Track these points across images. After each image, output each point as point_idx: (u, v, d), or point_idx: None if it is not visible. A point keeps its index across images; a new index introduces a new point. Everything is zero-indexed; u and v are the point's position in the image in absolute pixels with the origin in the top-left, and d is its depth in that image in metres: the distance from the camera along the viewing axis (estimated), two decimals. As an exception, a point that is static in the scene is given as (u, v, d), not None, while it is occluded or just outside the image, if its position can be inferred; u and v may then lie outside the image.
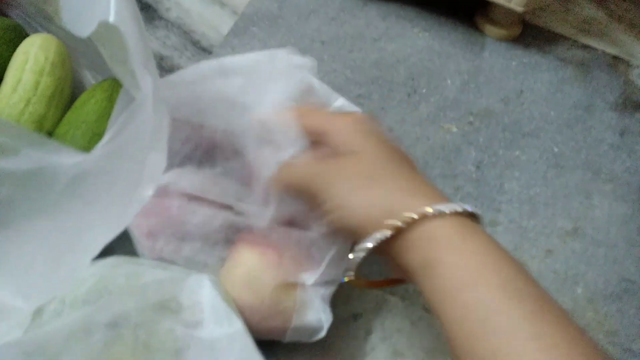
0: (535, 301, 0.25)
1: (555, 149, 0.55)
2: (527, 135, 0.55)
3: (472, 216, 0.30)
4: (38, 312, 0.28)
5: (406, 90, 0.55)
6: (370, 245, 0.29)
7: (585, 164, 0.54)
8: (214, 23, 0.54)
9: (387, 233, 0.28)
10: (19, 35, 0.43)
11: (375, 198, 0.29)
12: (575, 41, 0.67)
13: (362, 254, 0.30)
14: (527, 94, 0.59)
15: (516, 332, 0.23)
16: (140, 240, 0.34)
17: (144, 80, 0.23)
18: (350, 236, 0.33)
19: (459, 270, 0.26)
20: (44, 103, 0.40)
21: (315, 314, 0.34)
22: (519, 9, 0.59)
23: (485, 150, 0.53)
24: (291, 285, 0.34)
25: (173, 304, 0.28)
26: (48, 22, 0.45)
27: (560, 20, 0.70)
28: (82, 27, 0.24)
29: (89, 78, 0.45)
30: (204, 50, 0.52)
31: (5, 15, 0.46)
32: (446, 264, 0.27)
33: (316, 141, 0.33)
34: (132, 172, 0.24)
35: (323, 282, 0.35)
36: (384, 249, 0.29)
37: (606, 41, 0.69)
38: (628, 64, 0.66)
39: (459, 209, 0.28)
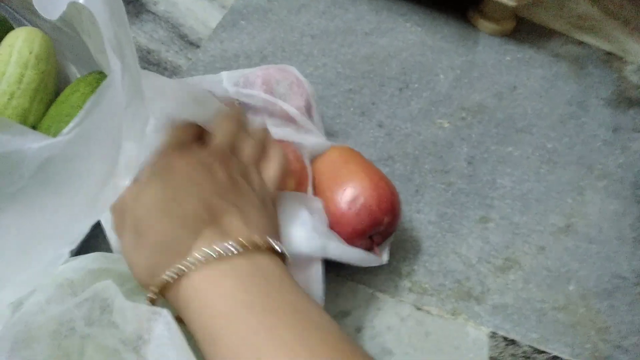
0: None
1: (549, 145, 0.54)
2: (520, 131, 0.55)
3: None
4: (17, 306, 0.27)
5: (398, 85, 0.55)
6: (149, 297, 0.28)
7: (579, 160, 0.54)
8: (202, 17, 0.53)
9: (151, 295, 0.27)
10: (3, 29, 0.42)
11: (141, 260, 0.28)
12: (569, 37, 0.67)
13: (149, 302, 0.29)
14: (520, 90, 0.58)
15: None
16: (110, 235, 0.33)
17: (113, 61, 0.22)
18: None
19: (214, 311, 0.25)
20: (28, 97, 0.39)
21: None
22: (512, 3, 0.58)
23: (478, 146, 0.52)
24: None
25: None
26: (33, 16, 0.44)
27: (554, 16, 0.70)
28: (52, 9, 0.23)
29: (75, 72, 0.45)
30: (191, 44, 0.51)
31: (-11, 7, 0.45)
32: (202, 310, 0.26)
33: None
34: (104, 158, 0.24)
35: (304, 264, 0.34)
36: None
37: (600, 37, 0.68)
38: (622, 60, 0.66)
39: (200, 257, 0.26)
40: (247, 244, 0.27)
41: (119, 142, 0.24)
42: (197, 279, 0.26)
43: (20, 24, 0.45)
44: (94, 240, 0.39)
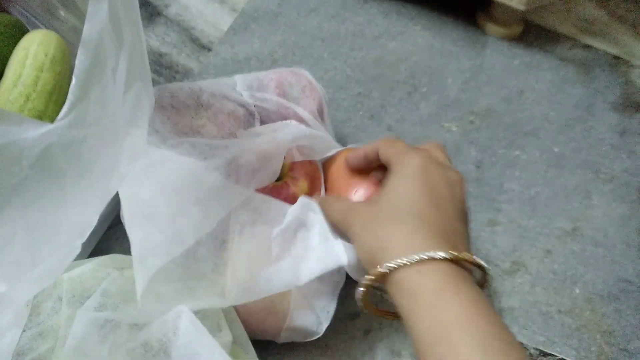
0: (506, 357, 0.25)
1: (556, 149, 0.55)
2: (527, 135, 0.55)
3: (458, 262, 0.30)
4: (35, 310, 0.28)
5: (407, 89, 0.55)
6: (360, 289, 0.32)
7: (585, 164, 0.54)
8: (214, 20, 0.54)
9: (370, 279, 0.30)
10: (19, 31, 0.43)
11: (376, 236, 0.31)
12: (576, 41, 0.67)
13: (359, 293, 0.32)
14: (528, 94, 0.59)
15: None
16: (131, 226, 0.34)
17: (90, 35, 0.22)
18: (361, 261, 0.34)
19: (433, 324, 0.27)
20: (43, 99, 0.40)
21: (310, 316, 0.34)
22: (521, 7, 0.59)
23: (486, 150, 0.53)
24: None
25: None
26: (49, 18, 0.44)
27: (561, 20, 0.70)
28: None
29: (89, 74, 0.45)
30: (203, 47, 0.52)
31: (6, 11, 0.46)
32: (421, 317, 0.28)
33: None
34: (106, 144, 0.24)
35: (320, 283, 0.34)
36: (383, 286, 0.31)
37: (607, 41, 0.69)
38: (629, 64, 0.66)
39: (441, 256, 0.29)
40: (461, 257, 0.29)
41: (122, 128, 0.24)
42: (406, 272, 0.29)
43: (36, 27, 0.45)
44: (106, 243, 0.40)
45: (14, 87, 0.39)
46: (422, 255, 0.28)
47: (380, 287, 0.32)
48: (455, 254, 0.29)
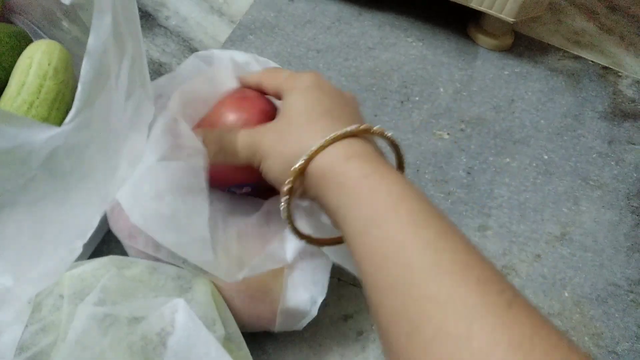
0: (437, 231, 0.25)
1: (545, 156, 0.56)
2: (517, 143, 0.56)
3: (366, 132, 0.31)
4: (37, 306, 0.29)
5: (399, 98, 0.57)
6: (285, 189, 0.31)
7: (574, 171, 0.56)
8: (212, 31, 0.56)
9: (289, 182, 0.30)
10: (23, 41, 0.44)
11: (289, 144, 0.31)
12: (566, 52, 0.69)
13: (283, 203, 0.32)
14: (518, 103, 0.60)
15: (415, 263, 0.24)
16: (123, 241, 0.35)
17: (95, 41, 0.24)
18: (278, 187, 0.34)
19: (364, 208, 0.27)
20: (46, 107, 0.41)
21: (304, 295, 0.35)
22: (510, 19, 0.61)
23: (477, 157, 0.54)
24: (278, 268, 0.34)
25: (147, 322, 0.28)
26: (52, 28, 0.46)
27: (551, 32, 0.72)
28: None
29: (90, 83, 0.47)
30: (202, 57, 0.53)
31: (10, 22, 0.47)
32: (353, 204, 0.28)
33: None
34: (107, 148, 0.25)
35: (312, 258, 0.35)
36: (303, 197, 0.32)
37: (596, 52, 0.70)
38: (617, 74, 0.68)
39: (354, 128, 0.30)
40: (375, 129, 0.31)
41: (123, 133, 0.25)
42: (326, 156, 0.29)
43: (39, 38, 0.47)
44: (105, 246, 0.41)
45: (18, 95, 0.40)
46: (336, 133, 0.29)
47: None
48: (368, 125, 0.30)
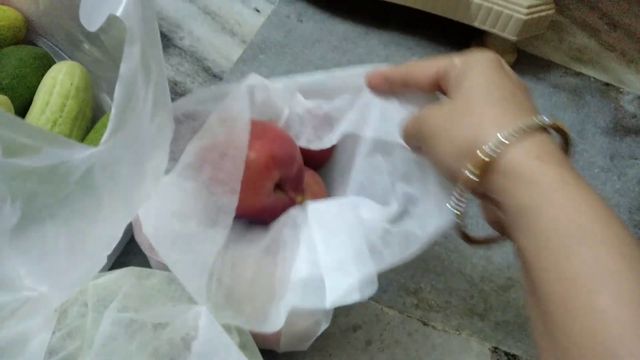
0: None
1: (548, 171, 0.57)
2: (521, 158, 0.58)
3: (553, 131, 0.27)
4: (63, 314, 0.31)
5: (405, 115, 0.58)
6: (464, 180, 0.27)
7: (577, 186, 0.57)
8: (225, 51, 0.58)
9: (470, 172, 0.27)
10: (47, 63, 0.47)
11: (464, 127, 0.28)
12: (568, 69, 0.70)
13: (456, 196, 0.29)
14: (521, 119, 0.62)
15: (626, 298, 0.21)
16: (145, 252, 0.37)
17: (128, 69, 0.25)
18: (445, 176, 0.31)
19: (562, 219, 0.24)
20: (68, 124, 0.43)
21: (308, 318, 0.34)
22: (513, 38, 0.62)
23: (481, 172, 0.55)
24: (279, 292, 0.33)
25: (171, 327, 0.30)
26: (73, 50, 0.48)
27: (554, 49, 0.74)
28: (94, 20, 0.26)
29: (108, 101, 0.49)
30: (214, 77, 0.55)
31: (34, 44, 0.49)
32: (546, 211, 0.24)
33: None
34: (135, 165, 0.27)
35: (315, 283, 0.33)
36: (478, 190, 0.28)
37: (598, 69, 0.72)
38: (619, 90, 0.69)
39: (541, 122, 0.26)
40: (555, 124, 0.27)
41: (148, 151, 0.27)
42: (517, 150, 0.26)
43: (61, 59, 0.49)
44: (126, 257, 0.42)
45: (42, 114, 0.42)
46: (526, 124, 0.26)
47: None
48: (559, 122, 0.27)
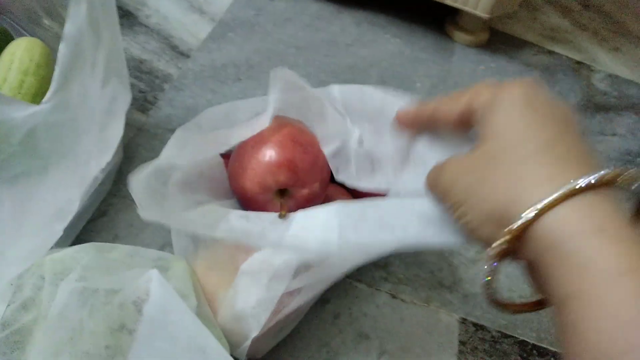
0: None
1: (519, 147, 0.58)
2: (492, 135, 0.58)
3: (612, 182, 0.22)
4: (18, 288, 0.30)
5: (377, 92, 0.58)
6: (494, 252, 0.23)
7: (548, 161, 0.57)
8: (193, 29, 0.57)
9: (503, 242, 0.22)
10: (5, 39, 0.45)
11: (496, 186, 0.23)
12: (541, 47, 0.71)
13: (487, 268, 0.24)
14: (493, 96, 0.62)
15: None
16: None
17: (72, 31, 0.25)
18: (473, 240, 0.26)
19: (618, 326, 0.19)
20: (28, 101, 0.42)
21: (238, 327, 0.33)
22: (485, 15, 0.62)
23: (452, 148, 0.55)
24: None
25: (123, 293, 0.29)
26: (33, 26, 0.47)
27: (527, 28, 0.74)
28: None
29: (72, 79, 0.48)
30: (182, 55, 0.54)
31: (-8, 20, 0.48)
32: (597, 310, 0.20)
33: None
34: (86, 132, 0.26)
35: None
36: (518, 255, 0.23)
37: (570, 48, 0.72)
38: (590, 69, 0.70)
39: (598, 177, 0.21)
40: (612, 177, 0.22)
41: (100, 119, 0.26)
42: (559, 218, 0.21)
43: (21, 35, 0.48)
44: (86, 235, 0.42)
45: (0, 90, 0.41)
46: (572, 184, 0.21)
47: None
48: (616, 171, 0.22)
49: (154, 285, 0.25)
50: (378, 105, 0.38)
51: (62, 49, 0.24)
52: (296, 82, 0.38)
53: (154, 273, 0.25)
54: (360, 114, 0.39)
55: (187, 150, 0.33)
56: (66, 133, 0.25)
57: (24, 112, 0.23)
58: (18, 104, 0.23)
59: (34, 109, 0.23)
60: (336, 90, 0.41)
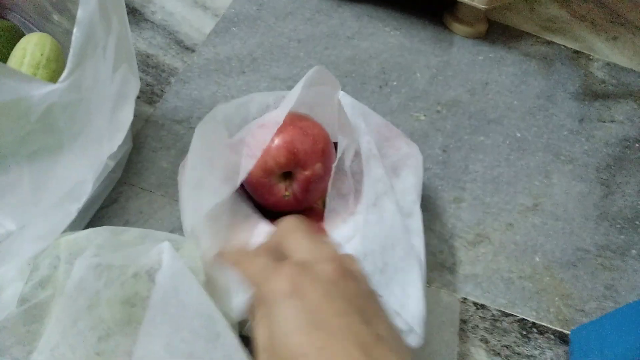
0: None
1: (518, 134, 0.59)
2: (491, 122, 0.59)
3: None
4: (35, 267, 0.31)
5: (378, 83, 0.60)
6: None
7: (546, 147, 0.58)
8: (197, 24, 0.58)
9: None
10: (16, 35, 0.47)
11: None
12: (539, 38, 0.72)
13: None
14: (492, 86, 0.63)
15: None
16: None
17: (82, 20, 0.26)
18: None
19: None
20: (39, 94, 0.44)
21: None
22: (482, 6, 0.63)
23: (452, 136, 0.57)
24: None
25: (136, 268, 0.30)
26: (43, 22, 0.49)
27: (525, 19, 0.75)
28: None
29: (81, 73, 0.49)
30: (187, 49, 0.56)
31: (3, 17, 0.50)
32: None
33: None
34: (99, 114, 0.28)
35: None
36: None
37: (568, 38, 0.73)
38: (588, 58, 0.71)
39: None
40: None
41: (111, 101, 0.28)
42: None
43: (31, 31, 0.50)
44: (99, 221, 0.43)
45: (13, 83, 0.43)
46: None
47: None
48: None
49: (165, 255, 0.26)
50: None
51: (76, 33, 0.26)
52: (332, 80, 0.40)
53: (166, 245, 0.27)
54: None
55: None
56: (80, 113, 0.27)
57: (42, 90, 0.24)
58: (37, 82, 0.24)
59: (51, 87, 0.25)
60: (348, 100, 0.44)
